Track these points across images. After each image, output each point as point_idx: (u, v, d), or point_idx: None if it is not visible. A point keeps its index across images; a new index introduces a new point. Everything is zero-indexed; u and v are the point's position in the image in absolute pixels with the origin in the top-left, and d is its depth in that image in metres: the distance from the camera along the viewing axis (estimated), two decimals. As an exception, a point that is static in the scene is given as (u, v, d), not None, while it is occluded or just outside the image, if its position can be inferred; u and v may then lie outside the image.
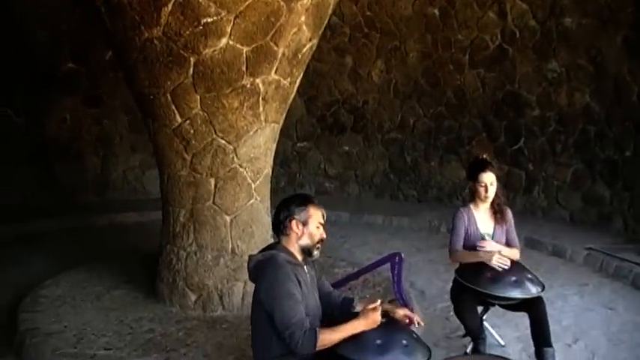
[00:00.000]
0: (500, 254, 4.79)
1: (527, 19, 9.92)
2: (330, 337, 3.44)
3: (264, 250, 3.87)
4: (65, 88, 10.51)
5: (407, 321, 3.80)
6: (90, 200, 10.78)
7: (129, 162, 11.47)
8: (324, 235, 3.79)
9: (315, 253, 3.78)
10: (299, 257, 3.75)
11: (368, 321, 3.50)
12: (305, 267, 3.77)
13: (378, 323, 3.50)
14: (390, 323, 3.66)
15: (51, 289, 6.17)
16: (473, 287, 4.75)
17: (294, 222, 3.71)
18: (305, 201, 3.79)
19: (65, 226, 9.23)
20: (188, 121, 5.31)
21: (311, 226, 3.72)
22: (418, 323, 3.82)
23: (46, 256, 7.66)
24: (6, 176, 9.81)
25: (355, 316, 3.58)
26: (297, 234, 3.72)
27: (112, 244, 8.47)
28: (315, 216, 3.74)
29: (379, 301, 3.62)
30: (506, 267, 4.72)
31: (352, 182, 12.16)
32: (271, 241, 5.23)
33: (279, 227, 3.78)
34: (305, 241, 3.73)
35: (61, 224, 9.30)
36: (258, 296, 3.65)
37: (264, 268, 3.63)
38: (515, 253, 5.01)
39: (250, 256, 3.82)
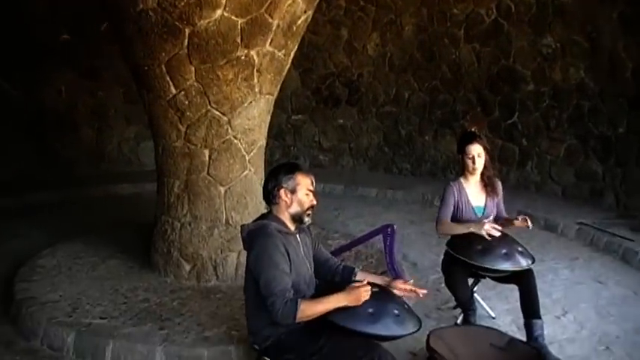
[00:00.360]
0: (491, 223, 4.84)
1: (523, -7, 9.92)
2: (312, 308, 3.50)
3: (256, 219, 3.92)
4: (61, 60, 10.47)
5: (407, 292, 3.86)
6: (85, 172, 10.80)
7: (124, 134, 11.50)
8: (315, 202, 3.83)
9: (306, 219, 3.82)
10: (290, 225, 3.80)
11: (351, 297, 3.51)
12: (297, 235, 3.82)
13: (361, 302, 3.50)
14: (382, 293, 3.71)
15: (47, 259, 6.22)
16: (463, 259, 4.80)
17: (282, 191, 3.75)
18: (292, 169, 3.82)
19: (61, 198, 9.28)
20: (183, 93, 5.33)
21: (300, 194, 3.77)
22: (415, 292, 3.86)
23: (42, 228, 7.69)
24: (2, 148, 9.82)
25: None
26: (286, 202, 3.77)
27: (108, 215, 8.52)
28: (304, 183, 3.78)
29: (366, 281, 3.64)
30: (496, 234, 4.76)
31: (346, 155, 12.21)
32: (265, 212, 5.29)
33: (269, 197, 3.83)
34: (295, 208, 3.77)
35: (57, 196, 9.34)
36: (249, 265, 3.73)
37: (255, 237, 3.68)
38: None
39: (242, 226, 3.88)
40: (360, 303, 3.50)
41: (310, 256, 3.93)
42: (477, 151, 5.01)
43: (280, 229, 3.71)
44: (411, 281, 3.96)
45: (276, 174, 3.81)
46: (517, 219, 4.96)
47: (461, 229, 4.92)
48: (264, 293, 3.54)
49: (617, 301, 5.97)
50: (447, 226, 5.05)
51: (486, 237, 4.75)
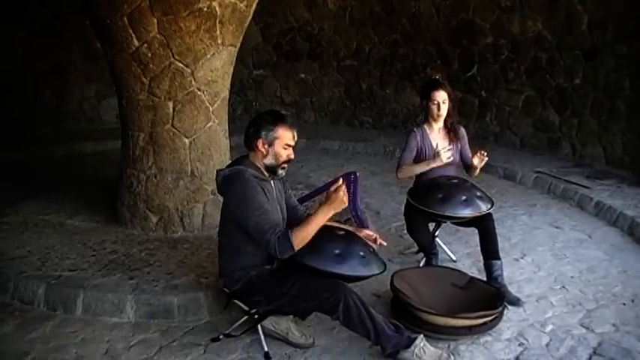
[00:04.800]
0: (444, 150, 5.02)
1: (483, -54, 9.95)
2: (305, 231, 3.54)
3: (232, 163, 3.94)
4: (16, 20, 10.23)
5: (373, 238, 4.01)
6: (46, 132, 10.59)
7: (84, 92, 11.32)
8: (292, 156, 3.84)
9: (280, 172, 3.85)
10: (265, 172, 3.83)
11: (335, 203, 3.57)
12: (272, 182, 3.86)
13: (345, 201, 3.57)
14: (348, 235, 3.83)
15: (12, 216, 6.18)
16: (424, 209, 4.91)
17: (260, 141, 3.76)
18: (275, 121, 3.79)
19: (22, 157, 9.13)
20: (145, 45, 5.31)
21: (277, 147, 3.77)
22: (380, 244, 4.02)
23: (3, 186, 7.55)
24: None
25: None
26: (262, 152, 3.78)
27: (71, 173, 8.45)
28: (283, 137, 3.77)
29: (340, 180, 3.67)
30: (451, 159, 5.00)
31: (308, 109, 12.25)
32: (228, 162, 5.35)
33: (247, 142, 3.84)
34: (269, 160, 3.79)
35: (17, 155, 9.19)
36: (227, 210, 3.78)
37: (231, 182, 3.72)
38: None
39: (218, 171, 3.89)
40: (346, 204, 3.56)
41: (283, 201, 3.99)
42: (442, 97, 5.11)
43: (256, 174, 3.74)
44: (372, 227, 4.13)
45: (259, 122, 3.80)
46: (474, 159, 5.16)
47: (420, 168, 5.09)
48: (255, 237, 3.58)
49: (572, 244, 6.17)
50: (406, 168, 5.19)
51: (447, 161, 4.96)
